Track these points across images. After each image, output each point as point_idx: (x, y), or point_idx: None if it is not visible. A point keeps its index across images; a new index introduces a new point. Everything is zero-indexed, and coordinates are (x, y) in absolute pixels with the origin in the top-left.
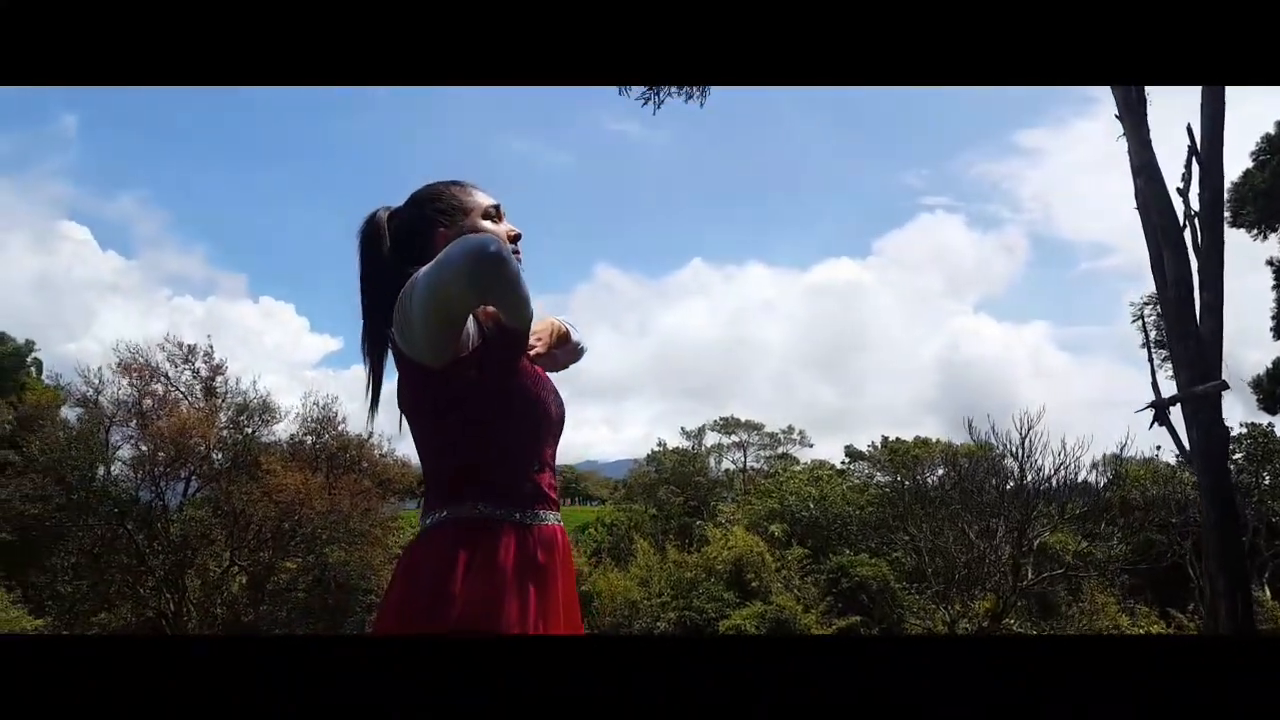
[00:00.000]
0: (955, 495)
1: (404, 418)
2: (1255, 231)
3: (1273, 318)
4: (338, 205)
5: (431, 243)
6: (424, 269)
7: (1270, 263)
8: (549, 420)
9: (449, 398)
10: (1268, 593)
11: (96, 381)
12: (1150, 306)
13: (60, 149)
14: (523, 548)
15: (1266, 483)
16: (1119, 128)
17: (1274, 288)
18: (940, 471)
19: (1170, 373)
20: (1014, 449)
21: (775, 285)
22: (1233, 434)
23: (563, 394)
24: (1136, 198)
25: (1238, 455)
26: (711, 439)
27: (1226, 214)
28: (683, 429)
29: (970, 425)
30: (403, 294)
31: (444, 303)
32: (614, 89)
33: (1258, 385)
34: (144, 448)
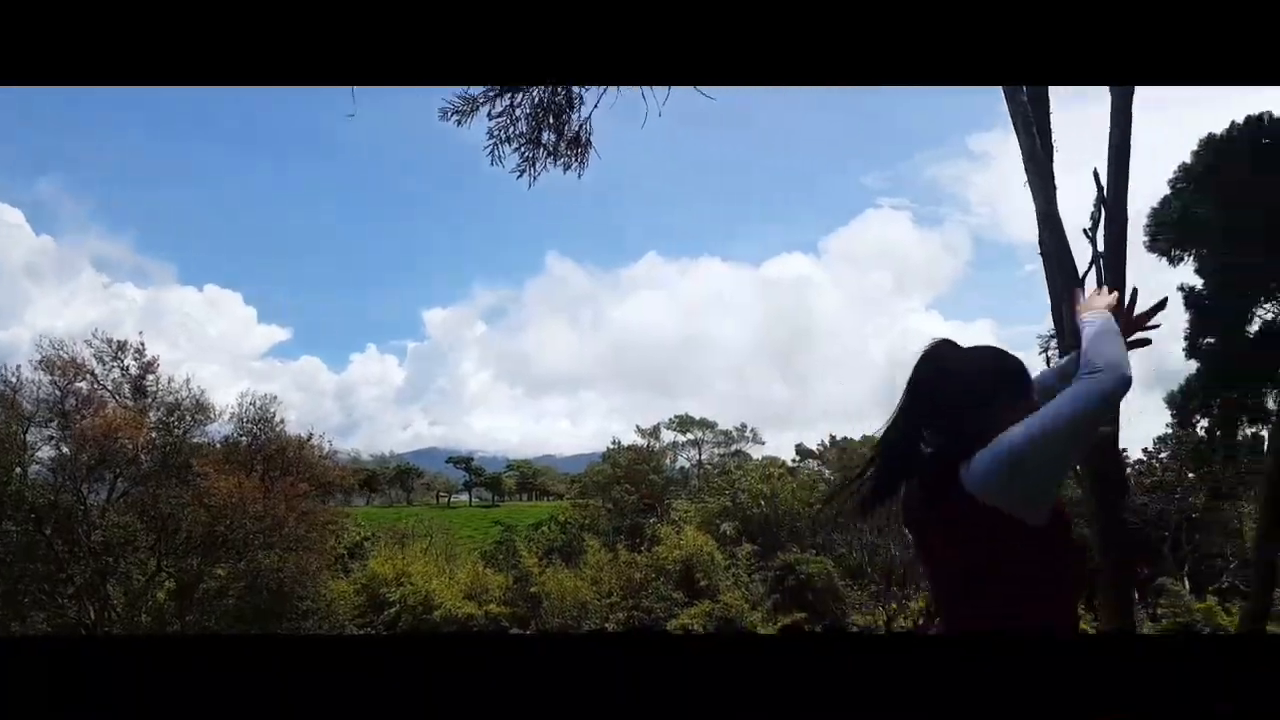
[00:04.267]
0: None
1: (962, 573)
2: (1167, 258)
3: (1185, 338)
4: (288, 194)
5: (995, 415)
6: (1043, 424)
7: (1180, 289)
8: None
9: (1039, 545)
10: (1186, 585)
11: (14, 380)
12: (1054, 340)
13: None
14: None
15: (1190, 477)
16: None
17: (1186, 312)
18: None
19: None
20: None
21: (730, 279)
22: (1162, 435)
23: (520, 386)
24: (1040, 247)
25: (1164, 454)
26: (667, 436)
27: (1144, 238)
28: (638, 426)
29: None
30: (1015, 452)
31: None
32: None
33: (1172, 402)
34: (65, 449)
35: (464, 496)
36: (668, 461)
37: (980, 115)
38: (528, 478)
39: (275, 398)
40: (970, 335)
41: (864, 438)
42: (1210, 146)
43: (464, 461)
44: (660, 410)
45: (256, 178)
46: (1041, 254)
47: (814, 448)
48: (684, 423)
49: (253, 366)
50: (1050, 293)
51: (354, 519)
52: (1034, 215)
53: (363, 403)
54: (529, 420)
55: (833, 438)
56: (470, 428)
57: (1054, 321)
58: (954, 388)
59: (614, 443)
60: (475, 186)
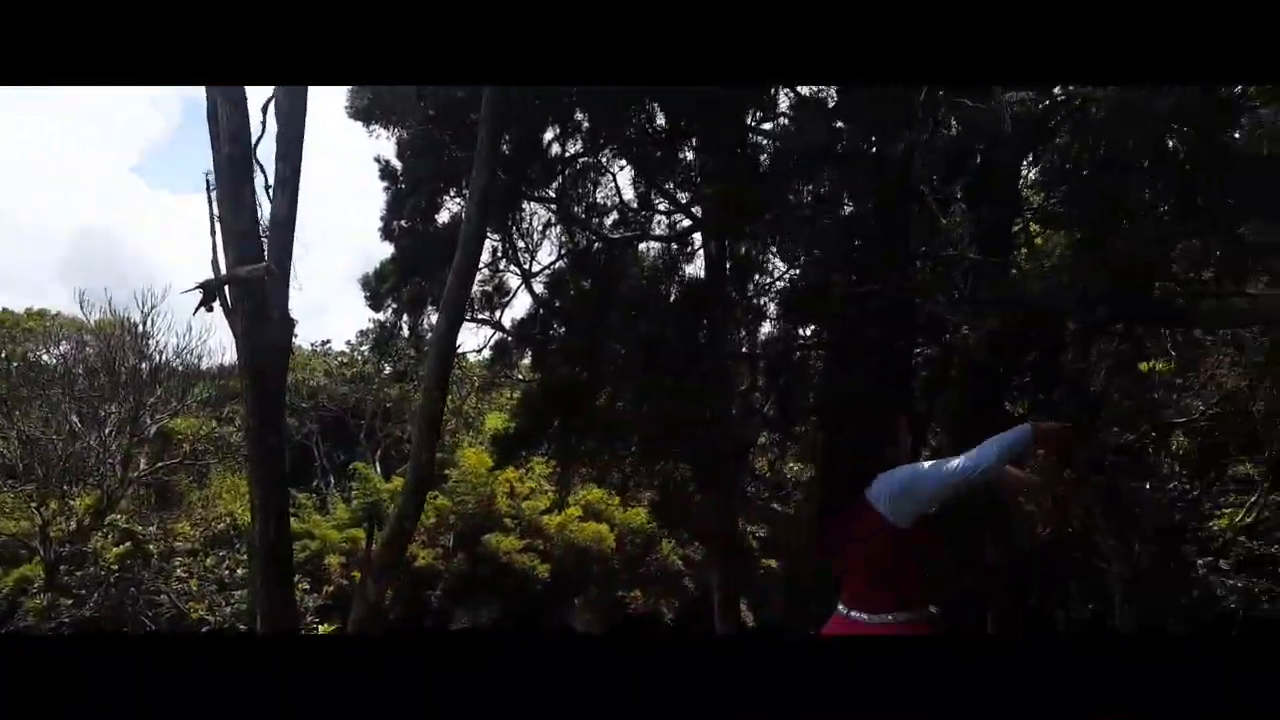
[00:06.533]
0: (82, 377)
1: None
2: (366, 127)
3: (381, 218)
4: None
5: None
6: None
7: (377, 160)
8: None
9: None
10: (378, 468)
11: None
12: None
13: None
14: None
15: (386, 371)
16: None
17: (384, 189)
18: (63, 348)
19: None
20: (133, 328)
21: None
22: (364, 329)
23: None
24: None
25: (365, 347)
26: None
27: (346, 104)
28: None
29: (81, 299)
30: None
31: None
32: None
33: (367, 285)
34: None
35: None
36: None
37: None
38: None
39: None
40: (180, 207)
41: (29, 310)
42: None
43: None
44: None
45: None
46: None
47: None
48: None
49: None
50: (207, 96)
51: None
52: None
53: None
54: None
55: (7, 310)
56: None
57: (209, 128)
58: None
59: None
60: None
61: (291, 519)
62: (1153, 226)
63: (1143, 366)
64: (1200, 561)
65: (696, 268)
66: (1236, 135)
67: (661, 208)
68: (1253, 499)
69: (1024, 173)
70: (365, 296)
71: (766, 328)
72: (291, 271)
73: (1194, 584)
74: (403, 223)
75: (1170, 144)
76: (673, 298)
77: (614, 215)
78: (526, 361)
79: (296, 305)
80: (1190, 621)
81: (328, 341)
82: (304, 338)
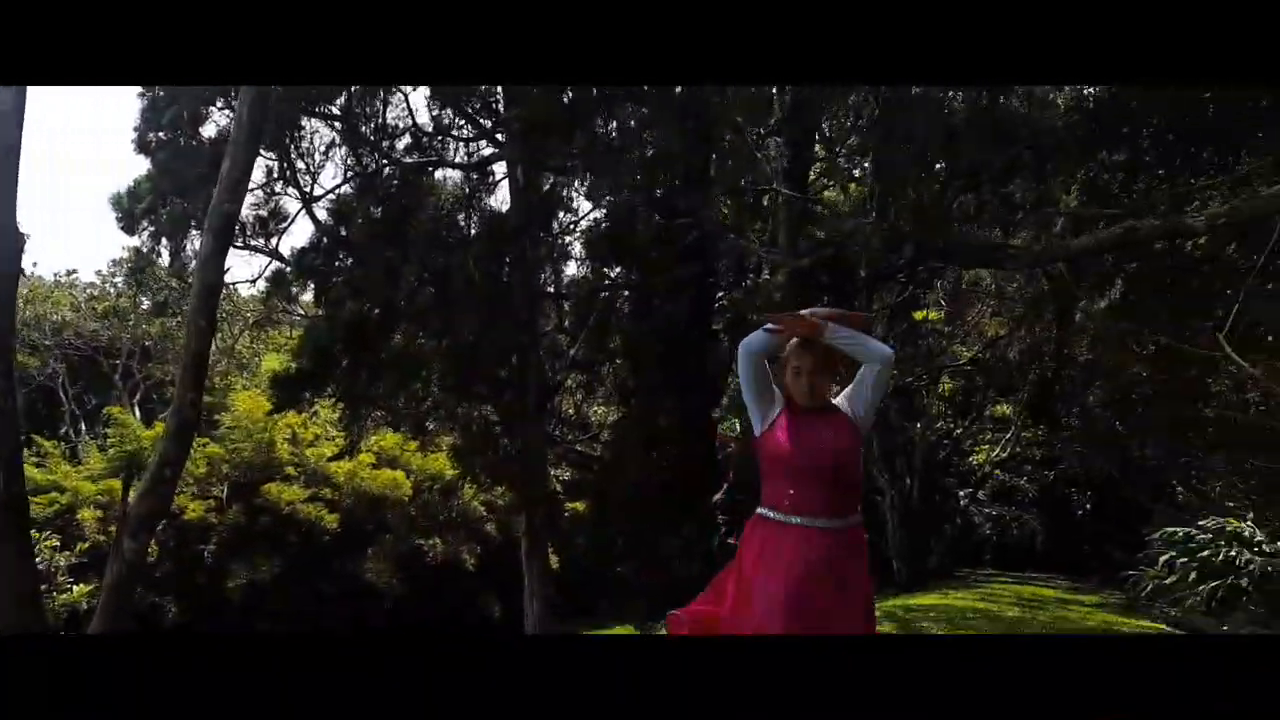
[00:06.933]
0: None
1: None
2: None
3: (135, 129)
4: None
5: None
6: None
7: None
8: None
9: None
10: (137, 414)
11: None
12: None
13: None
14: None
15: (145, 304)
16: None
17: (139, 95)
18: None
19: None
20: None
21: None
22: (117, 259)
23: None
24: None
25: (119, 277)
26: None
27: None
28: None
29: None
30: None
31: None
32: None
33: (118, 203)
34: None
35: None
36: None
37: None
38: None
39: None
40: None
41: None
42: None
43: None
44: None
45: None
46: None
47: None
48: None
49: None
50: None
51: None
52: None
53: None
54: None
55: None
56: None
57: None
58: None
59: None
60: None
61: (37, 469)
62: (932, 181)
63: (917, 315)
64: (961, 493)
65: (499, 200)
66: (1003, 100)
67: (461, 134)
68: (1007, 436)
69: (822, 121)
70: (117, 218)
71: (573, 267)
72: (18, 180)
73: (955, 514)
74: (161, 134)
75: (947, 106)
76: (473, 231)
77: (407, 138)
78: (308, 296)
79: (31, 224)
80: (952, 551)
81: (74, 271)
82: (45, 267)
